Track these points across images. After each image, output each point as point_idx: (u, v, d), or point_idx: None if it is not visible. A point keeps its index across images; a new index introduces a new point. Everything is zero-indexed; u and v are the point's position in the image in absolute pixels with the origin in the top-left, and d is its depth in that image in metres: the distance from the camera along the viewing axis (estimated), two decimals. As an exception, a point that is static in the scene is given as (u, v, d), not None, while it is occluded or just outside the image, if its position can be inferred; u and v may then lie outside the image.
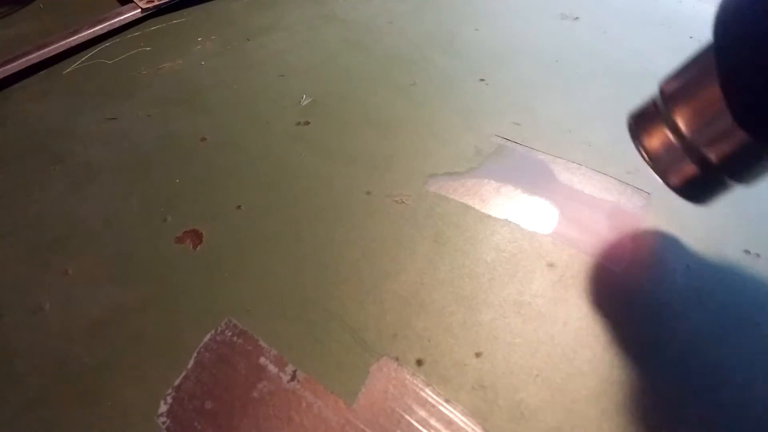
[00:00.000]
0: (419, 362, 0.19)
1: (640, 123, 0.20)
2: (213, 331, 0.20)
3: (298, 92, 0.34)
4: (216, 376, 0.19)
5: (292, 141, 0.30)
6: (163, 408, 0.18)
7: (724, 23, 0.16)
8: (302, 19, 0.43)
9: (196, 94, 0.35)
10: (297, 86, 0.35)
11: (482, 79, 0.34)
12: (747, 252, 0.22)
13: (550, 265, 0.22)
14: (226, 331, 0.20)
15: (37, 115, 0.34)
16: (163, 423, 0.18)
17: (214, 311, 0.21)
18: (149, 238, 0.25)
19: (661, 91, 0.19)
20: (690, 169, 0.19)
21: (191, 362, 0.19)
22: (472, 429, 0.17)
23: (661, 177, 0.20)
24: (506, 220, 0.24)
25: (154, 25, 0.43)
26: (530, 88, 0.33)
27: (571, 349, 0.19)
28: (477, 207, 0.25)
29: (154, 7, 0.44)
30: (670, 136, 0.19)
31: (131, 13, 0.43)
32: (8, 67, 0.36)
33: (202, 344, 0.20)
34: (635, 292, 0.21)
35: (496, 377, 0.19)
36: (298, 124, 0.31)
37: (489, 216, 0.25)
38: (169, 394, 0.19)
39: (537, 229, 0.24)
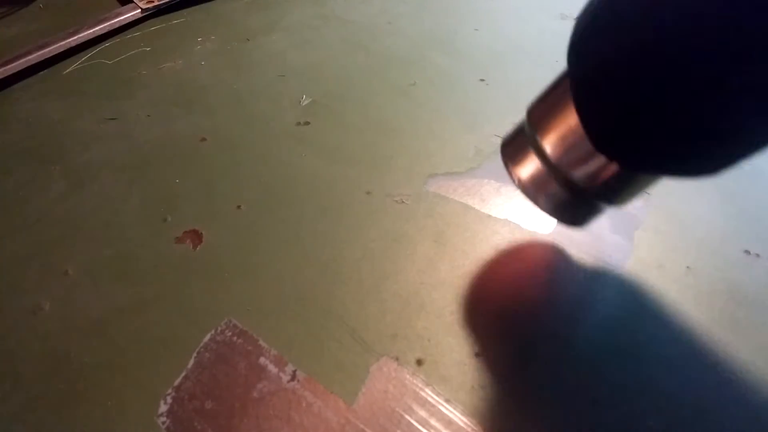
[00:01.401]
0: (419, 362, 0.19)
1: (510, 148, 0.20)
2: (213, 331, 0.20)
3: (298, 92, 0.34)
4: (216, 376, 0.19)
5: (292, 141, 0.30)
6: (163, 408, 0.18)
7: (575, 48, 0.15)
8: (302, 19, 0.43)
9: (196, 94, 0.35)
10: (297, 86, 0.35)
11: (482, 79, 0.34)
12: (747, 252, 0.22)
13: (550, 265, 0.22)
14: (226, 331, 0.20)
15: (36, 115, 0.34)
16: (163, 423, 0.18)
17: (214, 311, 0.21)
18: (149, 238, 0.25)
19: (528, 115, 0.19)
20: (558, 193, 0.18)
21: (191, 362, 0.19)
22: (472, 429, 0.17)
23: (532, 201, 0.19)
24: (506, 220, 0.24)
25: (154, 26, 0.43)
26: (530, 88, 0.33)
27: (571, 349, 0.19)
28: (477, 207, 0.25)
29: (154, 7, 0.44)
30: (538, 160, 0.18)
31: (131, 14, 0.43)
32: (8, 67, 0.36)
33: (202, 344, 0.20)
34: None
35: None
36: (298, 124, 0.31)
37: (489, 216, 0.25)
38: (169, 394, 0.19)
39: (537, 229, 0.24)
